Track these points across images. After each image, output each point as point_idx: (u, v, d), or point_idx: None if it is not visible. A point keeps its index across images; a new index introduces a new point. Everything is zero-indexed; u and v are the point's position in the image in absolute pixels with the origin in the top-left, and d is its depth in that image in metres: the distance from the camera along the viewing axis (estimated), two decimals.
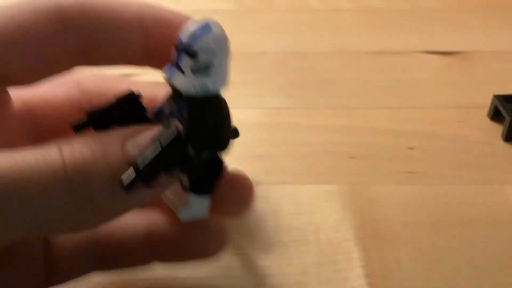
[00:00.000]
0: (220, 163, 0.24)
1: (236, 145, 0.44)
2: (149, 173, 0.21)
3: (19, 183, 0.20)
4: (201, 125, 0.22)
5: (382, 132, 0.45)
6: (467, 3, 0.62)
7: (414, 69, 0.52)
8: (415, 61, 0.53)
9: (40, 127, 0.26)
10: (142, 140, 0.22)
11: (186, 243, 0.26)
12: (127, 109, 0.23)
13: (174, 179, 0.23)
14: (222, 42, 0.22)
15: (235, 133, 0.25)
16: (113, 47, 0.24)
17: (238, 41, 0.58)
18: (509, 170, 0.42)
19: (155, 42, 0.24)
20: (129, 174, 0.21)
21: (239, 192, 0.26)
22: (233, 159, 0.42)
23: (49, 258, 0.25)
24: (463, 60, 0.53)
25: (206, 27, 0.23)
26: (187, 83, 0.22)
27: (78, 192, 0.21)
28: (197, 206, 0.24)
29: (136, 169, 0.21)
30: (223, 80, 0.23)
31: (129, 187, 0.21)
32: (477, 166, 0.42)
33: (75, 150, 0.21)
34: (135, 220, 0.26)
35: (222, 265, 0.34)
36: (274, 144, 0.43)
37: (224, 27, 0.59)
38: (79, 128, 0.23)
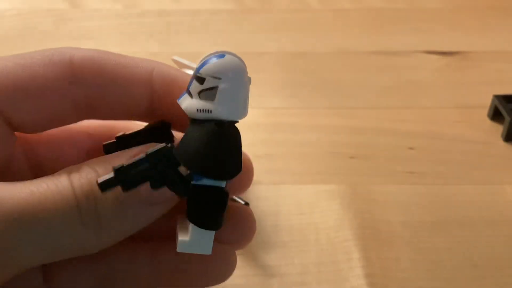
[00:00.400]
0: (221, 194, 0.22)
1: None
2: (127, 177, 0.21)
3: (35, 212, 0.21)
4: (191, 144, 0.22)
5: (382, 132, 0.45)
6: (467, 3, 0.62)
7: (414, 69, 0.52)
8: (415, 61, 0.53)
9: (44, 165, 0.26)
10: None
11: (191, 271, 0.26)
12: (156, 136, 0.23)
13: (170, 198, 0.23)
14: (232, 70, 0.22)
15: (235, 167, 0.23)
16: (118, 103, 0.24)
17: (238, 41, 0.59)
18: (509, 170, 0.42)
19: (160, 101, 0.24)
20: (107, 175, 0.21)
21: (240, 228, 0.25)
22: None
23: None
24: (463, 60, 0.53)
25: (219, 56, 0.22)
26: (191, 104, 0.22)
27: (87, 216, 0.21)
28: (198, 241, 0.23)
29: (114, 170, 0.21)
30: (234, 110, 0.22)
31: (105, 187, 0.21)
32: (477, 166, 0.42)
33: (82, 176, 0.22)
34: (140, 246, 0.26)
35: None
36: (274, 144, 0.43)
37: (224, 27, 0.59)
38: (108, 149, 0.24)
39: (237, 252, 0.35)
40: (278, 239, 0.36)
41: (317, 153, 0.43)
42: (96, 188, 0.21)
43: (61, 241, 0.21)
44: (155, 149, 0.21)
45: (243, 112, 0.23)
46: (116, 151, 0.23)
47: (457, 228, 0.37)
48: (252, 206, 0.38)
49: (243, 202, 0.35)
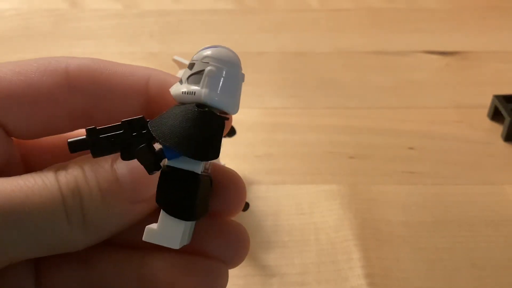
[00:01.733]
0: (193, 179, 0.21)
1: (236, 145, 0.44)
2: (98, 141, 0.21)
3: (21, 205, 0.21)
4: (167, 120, 0.21)
5: (382, 132, 0.45)
6: (467, 3, 0.62)
7: (414, 69, 0.52)
8: (415, 61, 0.53)
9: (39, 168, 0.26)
10: (132, 160, 0.22)
11: (179, 285, 0.25)
12: (132, 131, 0.22)
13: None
14: (221, 57, 0.22)
15: (210, 150, 0.22)
16: (115, 110, 0.24)
17: (238, 41, 0.59)
18: (509, 170, 0.42)
19: (157, 108, 0.24)
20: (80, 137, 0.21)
21: (232, 246, 0.24)
22: (233, 159, 0.42)
23: (40, 284, 0.25)
24: (463, 60, 0.53)
25: (213, 46, 0.22)
26: (178, 88, 0.22)
27: (72, 212, 0.22)
28: (165, 230, 0.22)
29: (87, 130, 0.21)
30: (218, 96, 0.21)
31: (74, 147, 0.21)
32: (477, 166, 0.42)
33: (68, 172, 0.22)
34: (129, 255, 0.26)
35: None
36: (274, 144, 0.43)
37: (224, 27, 0.58)
38: (75, 145, 0.22)
39: None
40: (278, 239, 0.36)
41: (317, 153, 0.43)
42: (82, 185, 0.21)
43: (46, 236, 0.22)
44: (130, 118, 0.21)
45: (229, 102, 0.22)
46: (84, 147, 0.22)
47: (457, 228, 0.37)
48: (252, 206, 0.38)
49: None
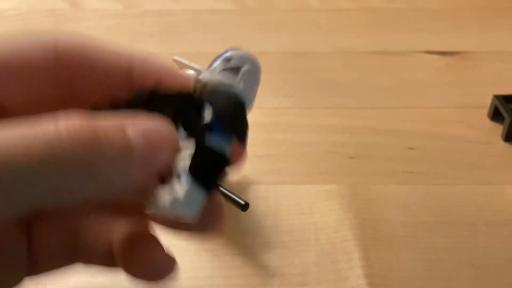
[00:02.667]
0: (225, 159, 0.24)
1: None
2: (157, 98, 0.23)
3: (15, 157, 0.20)
4: (219, 98, 0.24)
5: (382, 132, 0.45)
6: (467, 3, 0.62)
7: (414, 69, 0.52)
8: (415, 61, 0.53)
9: None
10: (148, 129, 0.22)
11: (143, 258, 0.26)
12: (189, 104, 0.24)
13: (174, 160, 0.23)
14: (254, 59, 0.25)
15: (247, 134, 0.25)
16: (99, 87, 0.25)
17: (238, 41, 0.59)
18: (509, 170, 0.42)
19: (140, 83, 0.25)
20: None
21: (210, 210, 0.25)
22: None
23: (31, 249, 0.25)
24: (463, 60, 0.53)
25: (243, 50, 0.25)
26: (215, 75, 0.24)
27: (79, 163, 0.20)
28: (190, 199, 0.23)
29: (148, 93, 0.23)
30: (249, 93, 0.25)
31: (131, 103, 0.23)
32: (477, 166, 0.42)
33: (74, 121, 0.21)
34: (113, 225, 0.26)
35: (222, 265, 0.34)
36: (274, 144, 0.43)
37: (224, 27, 0.58)
38: (132, 101, 0.23)
39: (236, 252, 0.35)
40: (278, 239, 0.36)
41: (317, 153, 0.43)
42: (90, 136, 0.21)
43: (49, 189, 0.20)
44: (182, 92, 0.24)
45: (252, 100, 0.25)
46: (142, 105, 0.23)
47: (457, 228, 0.37)
48: (252, 206, 0.38)
49: (243, 202, 0.35)
